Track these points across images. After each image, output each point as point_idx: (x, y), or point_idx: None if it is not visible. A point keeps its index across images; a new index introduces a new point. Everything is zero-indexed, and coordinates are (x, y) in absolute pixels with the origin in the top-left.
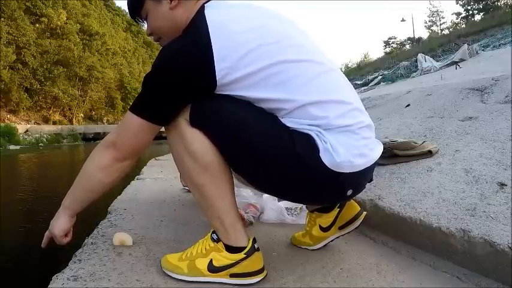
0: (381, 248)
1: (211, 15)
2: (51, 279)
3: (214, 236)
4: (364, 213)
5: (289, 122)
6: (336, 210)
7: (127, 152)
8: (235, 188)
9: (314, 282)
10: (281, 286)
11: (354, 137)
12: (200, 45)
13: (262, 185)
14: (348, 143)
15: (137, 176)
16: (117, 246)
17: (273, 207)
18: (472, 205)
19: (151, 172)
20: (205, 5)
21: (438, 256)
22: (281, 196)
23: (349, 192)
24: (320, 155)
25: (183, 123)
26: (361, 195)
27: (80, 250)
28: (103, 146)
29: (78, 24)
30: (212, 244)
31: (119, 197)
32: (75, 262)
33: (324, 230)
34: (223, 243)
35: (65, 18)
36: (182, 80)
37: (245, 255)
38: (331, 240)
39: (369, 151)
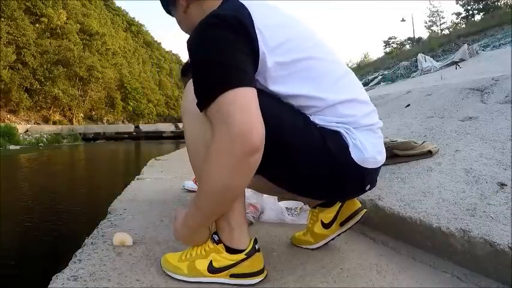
0: (381, 248)
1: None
2: (51, 279)
3: (215, 237)
4: (365, 210)
5: (317, 119)
6: (338, 204)
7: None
8: None
9: (314, 282)
10: (281, 286)
11: (374, 135)
12: (242, 12)
13: (289, 182)
14: (371, 140)
15: (137, 176)
16: (117, 246)
17: (273, 207)
18: (472, 205)
19: (151, 172)
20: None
21: (438, 256)
22: (306, 193)
23: (368, 187)
24: (350, 150)
25: None
26: (361, 195)
27: (80, 250)
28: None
29: (78, 24)
30: (212, 245)
31: (118, 197)
32: (75, 262)
33: (326, 226)
34: (224, 244)
35: (65, 18)
36: (232, 37)
37: (246, 256)
38: (332, 239)
39: (383, 149)
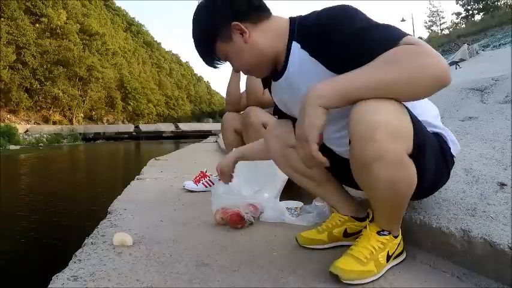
0: None
1: None
2: (51, 279)
3: (385, 232)
4: None
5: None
6: (367, 221)
7: None
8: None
9: (314, 282)
10: (281, 286)
11: None
12: None
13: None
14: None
15: (137, 176)
16: (117, 246)
17: (273, 207)
18: (472, 205)
19: (151, 172)
20: None
21: (438, 256)
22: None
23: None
24: (450, 146)
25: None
26: (361, 196)
27: (80, 250)
28: None
29: (78, 24)
30: (387, 237)
31: (119, 197)
32: (75, 262)
33: (346, 235)
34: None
35: (65, 18)
36: None
37: (401, 238)
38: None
39: None
